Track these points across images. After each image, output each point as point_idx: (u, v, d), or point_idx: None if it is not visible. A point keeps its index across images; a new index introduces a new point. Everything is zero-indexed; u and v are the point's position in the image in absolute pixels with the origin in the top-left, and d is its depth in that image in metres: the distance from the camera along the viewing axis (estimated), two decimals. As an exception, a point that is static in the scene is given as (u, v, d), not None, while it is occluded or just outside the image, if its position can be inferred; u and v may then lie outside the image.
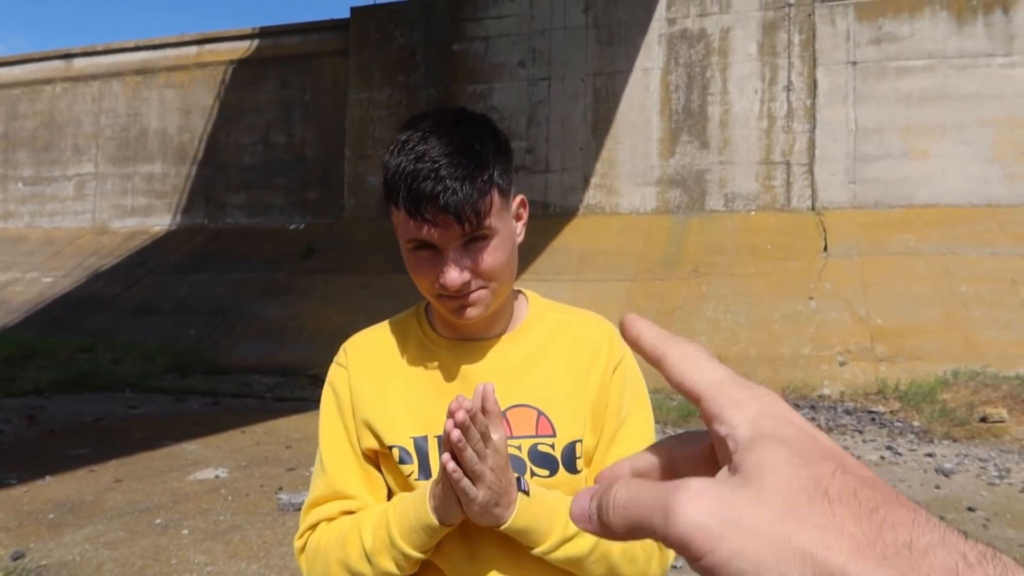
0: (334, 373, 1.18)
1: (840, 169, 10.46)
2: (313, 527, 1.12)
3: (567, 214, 11.64)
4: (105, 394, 8.47)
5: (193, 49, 15.10)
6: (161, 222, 14.74)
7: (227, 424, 6.85)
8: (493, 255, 1.05)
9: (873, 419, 7.00)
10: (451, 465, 0.93)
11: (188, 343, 10.83)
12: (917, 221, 9.83)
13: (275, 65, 14.18)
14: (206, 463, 5.59)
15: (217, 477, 5.25)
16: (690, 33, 11.18)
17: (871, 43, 10.43)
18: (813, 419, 7.04)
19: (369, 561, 1.04)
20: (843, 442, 6.29)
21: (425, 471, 1.08)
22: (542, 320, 1.18)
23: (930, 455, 5.86)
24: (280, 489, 4.90)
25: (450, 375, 1.12)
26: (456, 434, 0.92)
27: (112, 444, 6.12)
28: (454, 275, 1.02)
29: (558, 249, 10.94)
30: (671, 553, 1.10)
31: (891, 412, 7.18)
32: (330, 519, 1.12)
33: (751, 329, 8.92)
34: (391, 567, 1.03)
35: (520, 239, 1.14)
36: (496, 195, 1.04)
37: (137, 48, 15.57)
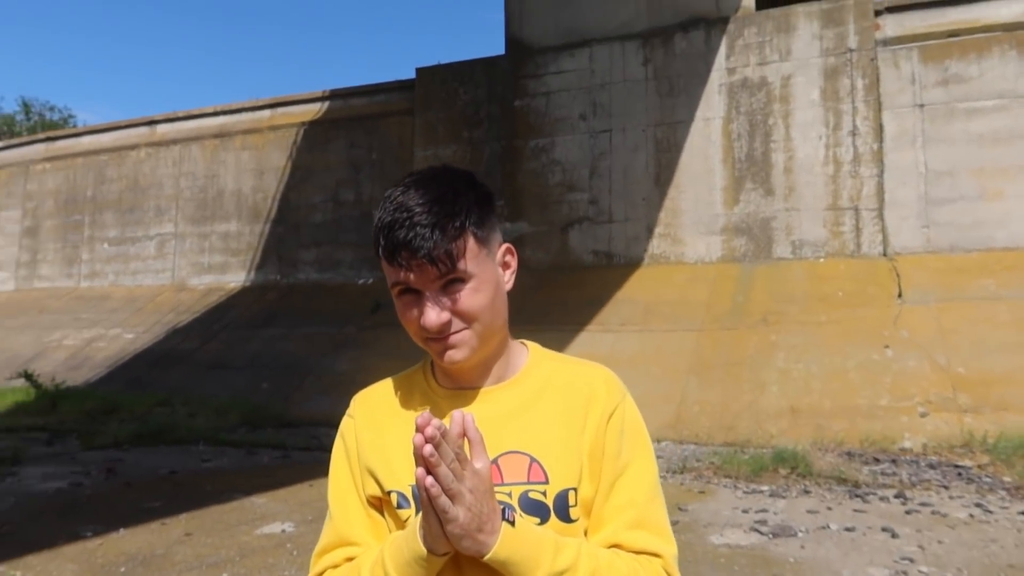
0: (343, 424, 1.24)
1: (911, 213, 10.16)
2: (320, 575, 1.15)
3: (631, 264, 11.58)
4: (180, 447, 8.70)
5: (267, 113, 15.79)
6: (236, 279, 15.27)
7: (295, 477, 6.93)
8: (471, 297, 1.09)
9: (960, 474, 6.63)
10: (428, 480, 0.93)
11: (260, 397, 11.08)
12: (996, 265, 9.43)
13: (344, 126, 14.70)
14: (273, 517, 5.65)
15: (284, 531, 5.30)
16: (750, 82, 11.15)
17: (938, 85, 10.21)
18: (894, 473, 6.72)
19: None
20: (928, 499, 5.97)
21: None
22: (539, 369, 1.19)
23: None
24: (345, 544, 4.91)
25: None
26: (428, 448, 0.92)
27: (184, 497, 6.25)
28: (432, 316, 1.08)
29: (623, 300, 10.86)
30: None
31: (979, 467, 6.79)
32: (335, 566, 1.14)
33: (824, 379, 8.63)
34: None
35: (508, 286, 1.18)
36: (471, 241, 1.10)
37: (215, 113, 16.37)
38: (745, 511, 5.70)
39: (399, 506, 1.11)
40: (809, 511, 5.68)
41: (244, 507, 6.00)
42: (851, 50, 10.61)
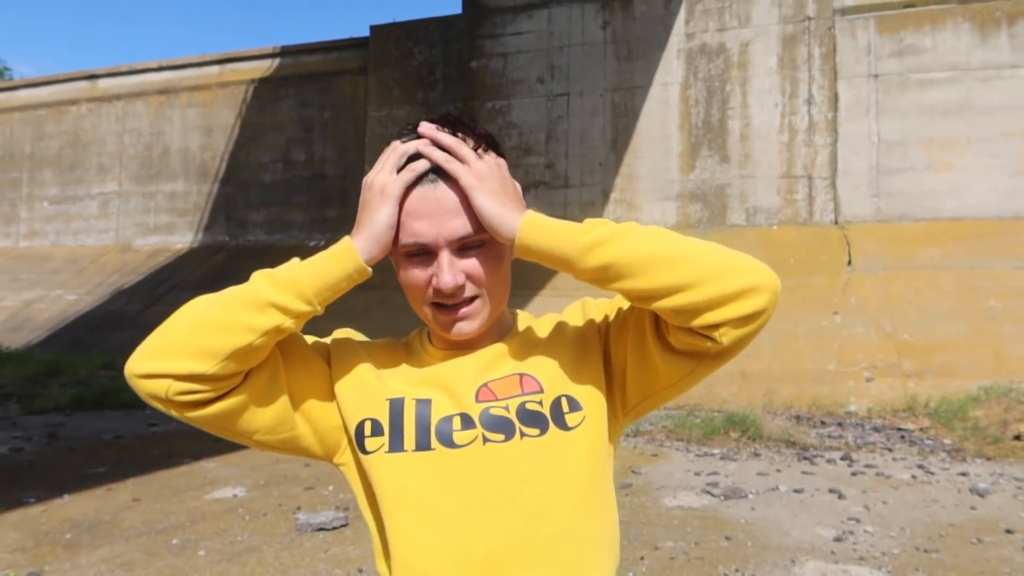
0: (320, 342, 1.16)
1: (863, 182, 10.32)
2: None
3: (586, 230, 11.55)
4: (125, 411, 8.49)
5: (215, 69, 15.27)
6: (183, 240, 14.86)
7: (246, 442, 6.82)
8: (490, 262, 1.03)
9: (903, 437, 6.84)
10: (437, 135, 1.02)
11: (208, 360, 10.84)
12: (943, 235, 9.67)
13: (295, 84, 14.30)
14: (224, 482, 5.55)
15: (235, 496, 5.20)
16: (709, 47, 11.13)
17: (893, 56, 10.32)
18: (841, 436, 6.89)
19: (249, 284, 1.01)
20: (872, 460, 6.14)
21: (397, 439, 1.02)
22: (525, 326, 1.15)
23: (963, 474, 5.70)
24: (298, 509, 4.85)
25: (432, 365, 1.10)
26: (425, 125, 1.03)
27: (131, 462, 6.11)
28: (448, 277, 1.00)
29: (578, 265, 10.85)
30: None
31: (921, 429, 7.01)
32: None
33: (774, 345, 8.78)
34: (269, 287, 0.99)
35: (515, 255, 1.09)
36: None
37: (160, 68, 15.77)
38: (697, 474, 5.78)
39: (374, 433, 1.03)
40: (759, 473, 5.79)
41: (194, 472, 5.88)
42: (809, 18, 10.64)
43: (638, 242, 0.96)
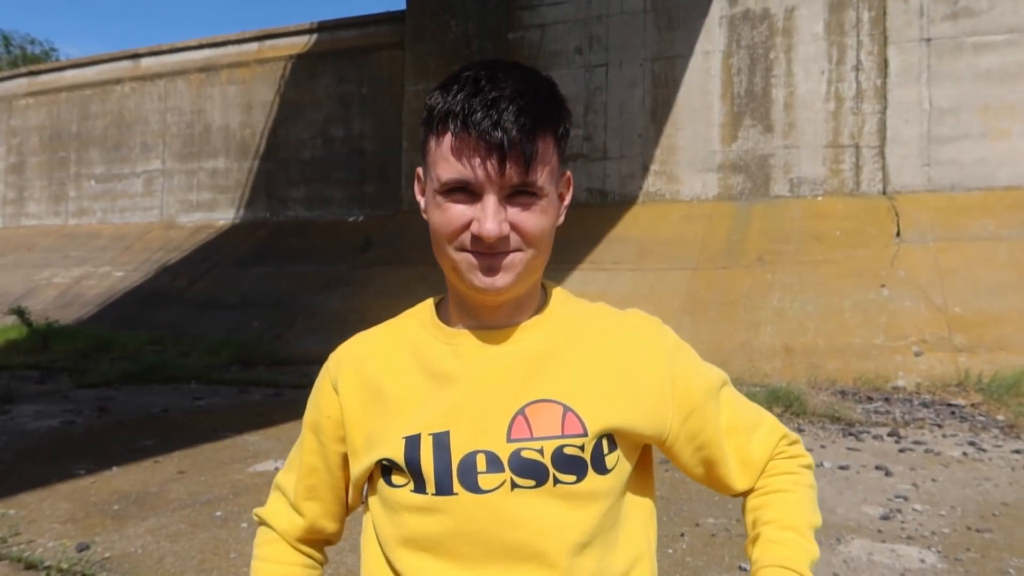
0: (320, 386, 1.06)
1: (913, 151, 9.98)
2: (265, 522, 1.15)
3: (626, 202, 11.42)
4: (172, 386, 8.67)
5: (254, 46, 15.34)
6: (225, 216, 15.05)
7: (287, 416, 6.91)
8: (539, 217, 0.92)
9: (953, 412, 6.66)
10: None
11: (251, 336, 11.02)
12: (997, 205, 9.32)
13: (333, 59, 14.30)
14: (266, 455, 5.63)
15: (276, 469, 5.26)
16: (752, 14, 10.82)
17: (946, 19, 9.91)
18: (888, 412, 6.73)
19: None
20: (921, 437, 5.99)
21: (419, 481, 0.93)
22: (565, 308, 1.04)
23: (1018, 452, 5.53)
24: (338, 482, 4.89)
25: (463, 361, 0.98)
26: None
27: (177, 436, 6.23)
28: (492, 225, 0.88)
29: (617, 238, 10.74)
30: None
31: (972, 405, 6.81)
32: (276, 533, 1.14)
33: (819, 319, 8.59)
34: None
35: (560, 220, 0.99)
36: (552, 150, 0.92)
37: (200, 46, 15.90)
38: (739, 449, 5.69)
39: (396, 471, 0.96)
40: (803, 449, 5.68)
41: (237, 445, 5.97)
42: (857, -20, 10.26)
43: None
